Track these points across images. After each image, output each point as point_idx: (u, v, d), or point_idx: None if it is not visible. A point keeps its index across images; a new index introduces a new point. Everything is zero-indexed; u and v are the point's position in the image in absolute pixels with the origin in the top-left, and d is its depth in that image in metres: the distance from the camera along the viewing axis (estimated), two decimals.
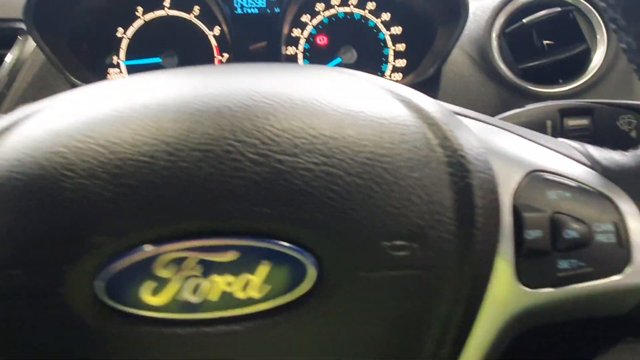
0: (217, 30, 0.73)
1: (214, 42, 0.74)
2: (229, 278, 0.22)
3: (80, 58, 0.70)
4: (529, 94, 0.68)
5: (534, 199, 0.27)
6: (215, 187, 0.22)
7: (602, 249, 0.27)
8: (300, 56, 0.75)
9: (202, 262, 0.22)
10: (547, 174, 0.28)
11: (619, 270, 0.27)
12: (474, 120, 0.29)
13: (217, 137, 0.23)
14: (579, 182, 0.28)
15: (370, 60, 0.77)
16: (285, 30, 0.72)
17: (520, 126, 0.32)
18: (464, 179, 0.24)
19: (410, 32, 0.76)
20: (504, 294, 0.26)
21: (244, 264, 0.22)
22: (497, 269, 0.26)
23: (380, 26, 0.76)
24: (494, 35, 0.70)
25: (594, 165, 0.30)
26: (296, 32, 0.75)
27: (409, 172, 0.24)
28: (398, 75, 0.78)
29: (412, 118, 0.26)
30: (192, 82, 0.27)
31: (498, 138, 0.29)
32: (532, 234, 0.27)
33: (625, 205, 0.28)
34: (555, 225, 0.27)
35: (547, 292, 0.27)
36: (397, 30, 0.76)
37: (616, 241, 0.27)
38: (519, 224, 0.27)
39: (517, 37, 0.71)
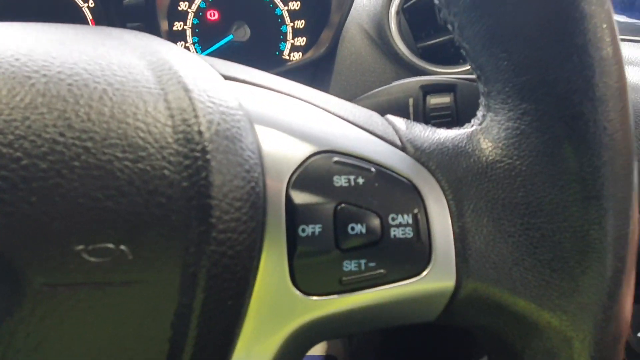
0: (91, 2, 0.66)
1: (89, 15, 0.66)
2: None
3: None
4: (427, 74, 0.64)
5: (317, 186, 0.22)
6: None
7: (397, 246, 0.22)
8: (189, 32, 0.69)
9: None
10: (338, 155, 0.23)
11: (415, 271, 0.23)
12: (250, 86, 0.24)
13: None
14: (378, 165, 0.23)
15: (267, 38, 0.71)
16: (166, 1, 0.66)
17: (336, 97, 0.27)
18: (197, 160, 0.19)
19: (309, 7, 0.70)
20: (280, 305, 0.21)
21: None
22: (265, 274, 0.21)
23: (277, 0, 0.70)
24: (392, 11, 0.65)
25: (406, 145, 0.25)
26: (183, 5, 0.69)
27: (121, 153, 0.18)
28: (298, 55, 0.72)
29: (149, 84, 0.20)
30: None
31: (280, 110, 0.23)
32: (307, 229, 0.22)
33: (431, 192, 0.23)
34: (339, 219, 0.22)
35: (331, 300, 0.22)
36: (295, 5, 0.71)
37: (413, 236, 0.23)
38: (294, 218, 0.22)
39: (419, 15, 0.66)
